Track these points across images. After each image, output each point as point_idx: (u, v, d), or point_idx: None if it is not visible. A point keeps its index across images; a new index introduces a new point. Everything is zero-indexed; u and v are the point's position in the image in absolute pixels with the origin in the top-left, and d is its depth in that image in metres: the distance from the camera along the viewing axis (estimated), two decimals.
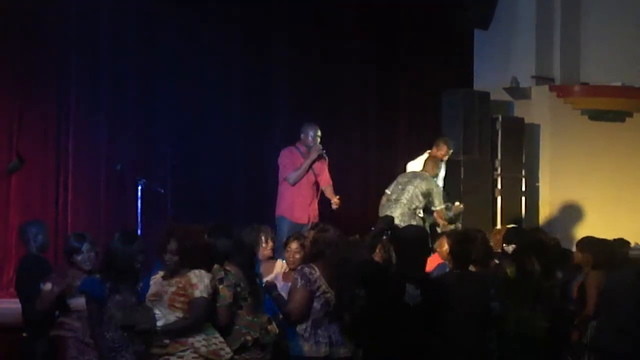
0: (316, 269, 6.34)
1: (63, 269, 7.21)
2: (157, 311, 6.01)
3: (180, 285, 5.92)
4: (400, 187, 10.48)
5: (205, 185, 11.27)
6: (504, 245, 8.03)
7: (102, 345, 6.18)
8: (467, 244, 6.70)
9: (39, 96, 10.61)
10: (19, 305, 7.34)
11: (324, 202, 10.45)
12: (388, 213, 9.82)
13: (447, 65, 12.96)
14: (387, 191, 10.63)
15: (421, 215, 10.36)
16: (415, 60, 13.00)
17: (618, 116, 12.79)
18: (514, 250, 7.68)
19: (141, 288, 6.34)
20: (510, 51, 13.13)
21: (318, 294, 6.29)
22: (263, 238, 7.61)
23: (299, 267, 6.56)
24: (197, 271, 5.90)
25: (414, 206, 10.34)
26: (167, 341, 5.93)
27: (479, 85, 13.06)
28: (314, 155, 10.12)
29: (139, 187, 10.33)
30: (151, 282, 6.23)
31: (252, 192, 11.56)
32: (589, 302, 7.39)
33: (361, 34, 12.72)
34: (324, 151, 10.23)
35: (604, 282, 7.24)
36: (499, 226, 10.79)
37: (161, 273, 6.25)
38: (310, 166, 10.16)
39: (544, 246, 7.47)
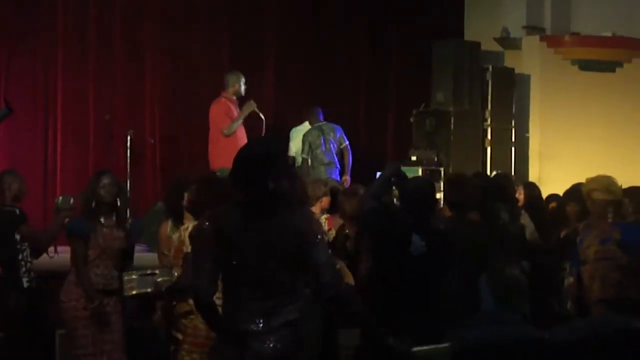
0: None
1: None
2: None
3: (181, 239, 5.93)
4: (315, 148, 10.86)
5: (193, 135, 11.23)
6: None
7: (86, 283, 6.24)
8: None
9: (26, 45, 10.55)
10: None
11: None
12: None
13: (437, 16, 12.89)
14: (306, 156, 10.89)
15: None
16: (406, 11, 12.92)
17: (608, 66, 12.75)
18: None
19: (134, 227, 6.47)
20: (501, 1, 13.06)
21: None
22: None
23: None
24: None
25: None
26: (174, 303, 5.93)
27: (469, 35, 12.98)
28: (246, 113, 10.09)
29: (128, 137, 10.32)
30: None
31: None
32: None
33: None
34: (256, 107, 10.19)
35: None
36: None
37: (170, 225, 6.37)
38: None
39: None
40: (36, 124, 10.57)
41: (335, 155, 10.92)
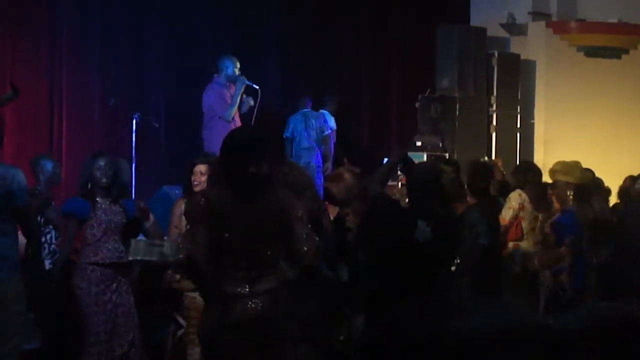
0: None
1: None
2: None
3: None
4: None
5: (198, 119, 11.24)
6: None
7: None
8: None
9: (31, 28, 10.53)
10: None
11: None
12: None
13: (443, 1, 12.87)
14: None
15: None
16: None
17: (614, 53, 12.75)
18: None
19: (128, 205, 6.52)
20: None
21: None
22: None
23: None
24: None
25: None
26: (177, 276, 5.97)
27: (475, 21, 12.96)
28: (241, 89, 10.12)
29: (134, 121, 10.31)
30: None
31: None
32: None
33: None
34: (247, 80, 10.20)
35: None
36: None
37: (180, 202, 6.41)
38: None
39: None
40: (41, 108, 10.56)
41: (314, 142, 11.31)
